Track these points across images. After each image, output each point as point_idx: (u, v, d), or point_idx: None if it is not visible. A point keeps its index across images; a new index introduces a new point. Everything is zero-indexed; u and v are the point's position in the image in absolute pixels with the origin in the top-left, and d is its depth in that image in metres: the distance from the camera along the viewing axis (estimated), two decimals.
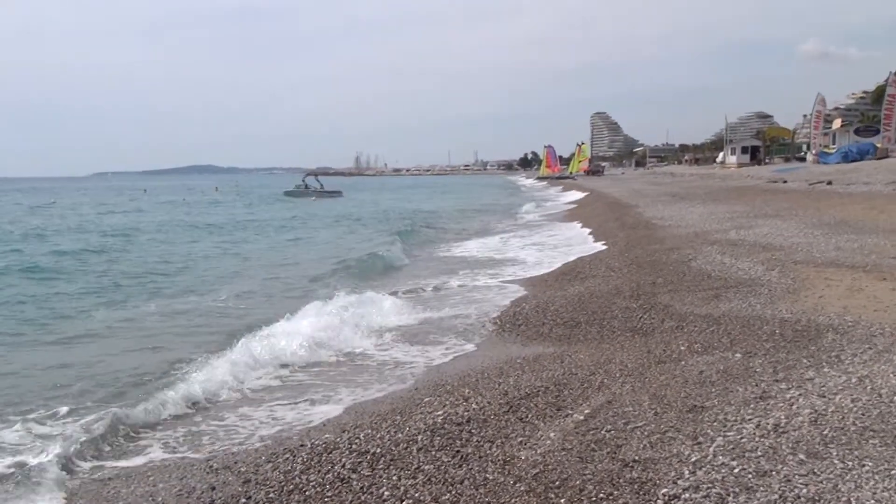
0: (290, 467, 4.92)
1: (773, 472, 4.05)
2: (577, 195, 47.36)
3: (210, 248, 22.21)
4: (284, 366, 8.14)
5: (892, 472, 3.97)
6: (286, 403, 6.94)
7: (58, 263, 17.90)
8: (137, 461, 5.62)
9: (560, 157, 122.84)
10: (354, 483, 4.57)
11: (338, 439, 5.31)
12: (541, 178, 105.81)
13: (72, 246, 22.11)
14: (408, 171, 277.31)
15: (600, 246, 16.56)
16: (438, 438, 5.14)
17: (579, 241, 19.19)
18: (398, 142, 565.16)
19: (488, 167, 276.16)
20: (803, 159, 60.84)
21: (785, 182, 34.99)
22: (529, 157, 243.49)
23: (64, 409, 6.60)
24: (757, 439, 4.51)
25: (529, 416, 5.47)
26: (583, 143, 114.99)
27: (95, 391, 7.21)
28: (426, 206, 47.98)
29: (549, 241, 20.93)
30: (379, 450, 5.02)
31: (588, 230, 21.81)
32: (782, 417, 4.82)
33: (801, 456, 4.24)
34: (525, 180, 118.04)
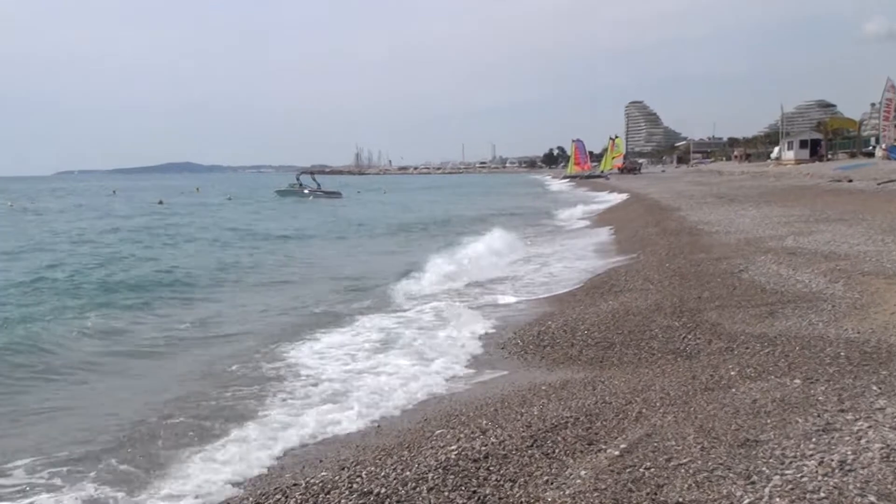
0: None
1: None
2: (611, 197, 47.30)
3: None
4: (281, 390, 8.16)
5: None
6: (279, 435, 6.96)
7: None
8: None
9: (590, 152, 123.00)
10: None
11: (336, 478, 5.32)
12: (568, 178, 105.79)
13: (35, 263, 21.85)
14: (415, 169, 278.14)
15: (637, 255, 16.51)
16: (452, 477, 5.13)
17: (610, 249, 19.16)
18: (404, 136, 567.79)
19: (508, 164, 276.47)
20: (871, 154, 60.45)
21: (850, 181, 34.79)
22: (555, 152, 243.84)
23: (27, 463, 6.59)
24: (820, 478, 4.48)
25: (556, 451, 5.46)
26: (616, 137, 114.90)
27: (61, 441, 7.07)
28: (443, 211, 47.99)
29: (575, 249, 20.89)
30: (384, 490, 5.02)
31: (620, 236, 21.77)
32: (849, 453, 4.78)
33: (872, 498, 4.20)
34: (550, 179, 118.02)
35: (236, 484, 5.83)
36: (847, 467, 4.58)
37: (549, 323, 10.43)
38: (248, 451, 6.51)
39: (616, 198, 44.96)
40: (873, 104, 77.59)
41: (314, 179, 66.58)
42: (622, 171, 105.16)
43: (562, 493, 4.72)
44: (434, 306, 12.77)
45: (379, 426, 7.02)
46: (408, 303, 13.35)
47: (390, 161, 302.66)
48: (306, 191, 63.95)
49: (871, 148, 64.97)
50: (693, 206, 28.79)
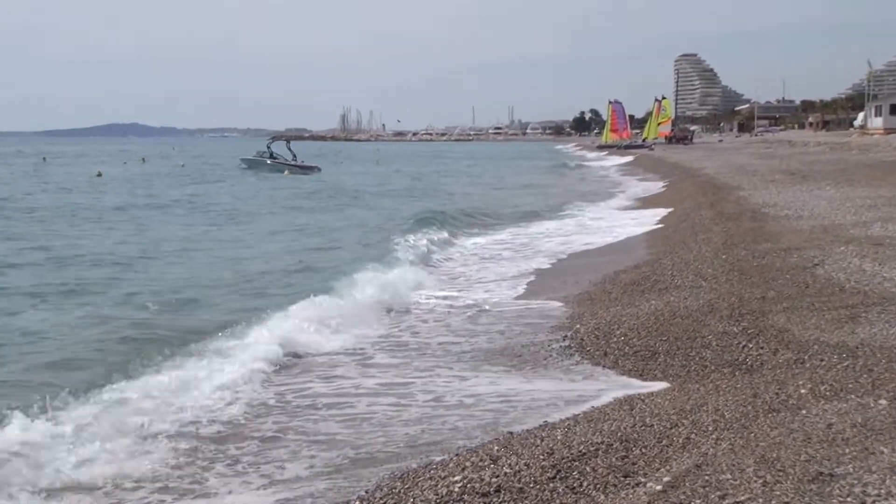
0: None
1: None
2: (648, 179, 47.07)
3: None
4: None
5: None
6: (248, 460, 6.98)
7: None
8: None
9: (631, 117, 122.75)
10: None
11: None
12: (603, 147, 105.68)
13: None
14: (415, 135, 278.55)
15: (686, 244, 16.49)
16: None
17: (654, 236, 19.13)
18: (401, 96, 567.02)
19: (529, 131, 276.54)
20: None
21: None
22: (587, 117, 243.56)
23: None
24: None
25: (584, 484, 5.46)
26: (664, 98, 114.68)
27: None
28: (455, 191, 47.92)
29: (612, 234, 20.89)
30: None
31: (666, 219, 21.72)
32: None
33: None
34: (580, 150, 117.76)
35: None
36: None
37: (578, 326, 10.43)
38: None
39: (659, 183, 44.79)
40: None
41: (290, 148, 65.46)
42: (670, 139, 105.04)
43: None
44: (433, 305, 12.82)
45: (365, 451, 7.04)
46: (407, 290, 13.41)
47: (384, 125, 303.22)
48: (274, 158, 63.27)
49: None
50: (757, 184, 28.71)
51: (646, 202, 30.83)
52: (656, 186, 38.69)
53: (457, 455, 6.28)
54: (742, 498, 4.94)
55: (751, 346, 8.67)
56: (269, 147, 66.32)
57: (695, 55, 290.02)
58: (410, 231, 21.73)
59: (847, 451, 5.51)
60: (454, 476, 5.74)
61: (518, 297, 13.43)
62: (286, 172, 58.62)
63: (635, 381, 8.27)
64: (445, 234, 21.88)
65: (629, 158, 74.43)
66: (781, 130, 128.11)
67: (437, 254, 18.95)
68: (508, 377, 8.94)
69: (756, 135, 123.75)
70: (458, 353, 10.05)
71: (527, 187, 45.79)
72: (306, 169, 62.80)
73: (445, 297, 13.51)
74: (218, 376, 8.82)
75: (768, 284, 11.26)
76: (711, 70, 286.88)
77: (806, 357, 8.04)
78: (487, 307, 12.61)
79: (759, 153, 58.50)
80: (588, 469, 5.68)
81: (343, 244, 21.53)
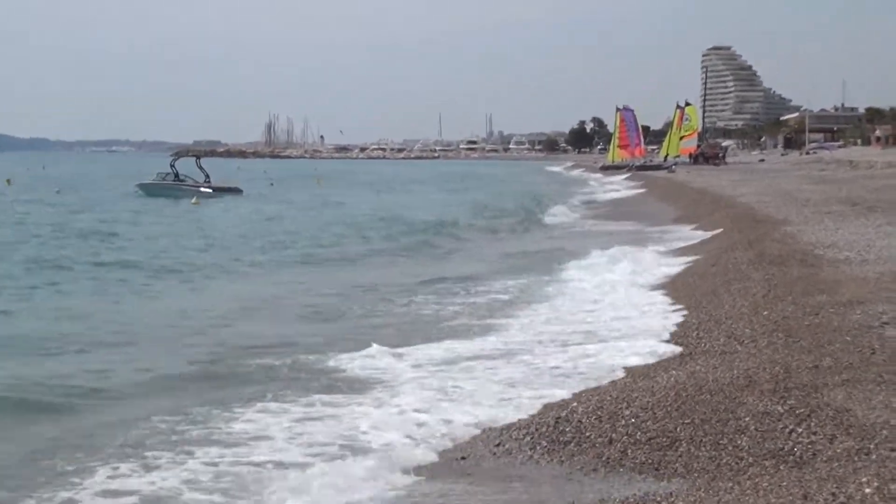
0: None
1: None
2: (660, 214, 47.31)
3: None
4: None
5: None
6: None
7: None
8: None
9: (645, 128, 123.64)
10: None
11: None
12: (608, 168, 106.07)
13: None
14: (363, 150, 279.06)
15: (717, 295, 16.58)
16: None
17: (676, 284, 19.20)
18: (344, 99, 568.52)
19: (513, 145, 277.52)
20: None
21: None
22: (589, 127, 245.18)
23: None
24: None
25: None
26: (688, 104, 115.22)
27: None
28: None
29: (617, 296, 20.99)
30: None
31: (693, 262, 21.79)
32: None
33: None
34: (578, 171, 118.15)
35: None
36: None
37: (574, 404, 10.39)
38: None
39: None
40: None
41: (200, 167, 65.36)
42: (696, 158, 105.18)
43: None
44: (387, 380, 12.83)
45: None
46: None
47: (322, 137, 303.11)
48: (179, 179, 63.40)
49: None
50: (808, 217, 28.96)
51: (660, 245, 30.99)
52: (671, 221, 38.88)
53: None
54: None
55: (800, 430, 8.68)
56: (172, 166, 65.87)
57: (729, 48, 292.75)
58: None
59: None
60: None
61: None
62: (194, 199, 57.59)
63: (649, 479, 8.25)
64: None
65: (636, 182, 74.74)
66: (840, 147, 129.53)
67: None
68: (476, 473, 8.92)
69: (808, 152, 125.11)
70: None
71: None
72: (223, 191, 62.89)
73: None
74: None
75: (823, 349, 11.31)
76: (749, 68, 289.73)
77: (872, 446, 8.06)
78: None
79: (812, 176, 59.18)
80: None
81: None
